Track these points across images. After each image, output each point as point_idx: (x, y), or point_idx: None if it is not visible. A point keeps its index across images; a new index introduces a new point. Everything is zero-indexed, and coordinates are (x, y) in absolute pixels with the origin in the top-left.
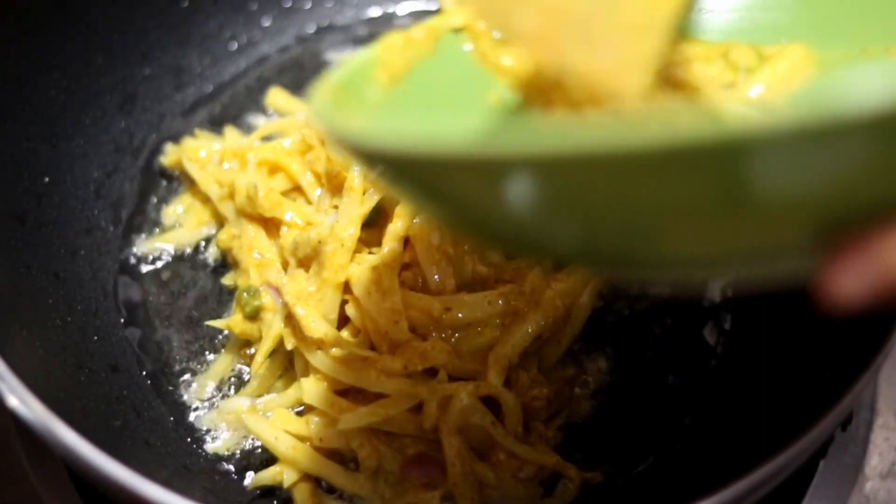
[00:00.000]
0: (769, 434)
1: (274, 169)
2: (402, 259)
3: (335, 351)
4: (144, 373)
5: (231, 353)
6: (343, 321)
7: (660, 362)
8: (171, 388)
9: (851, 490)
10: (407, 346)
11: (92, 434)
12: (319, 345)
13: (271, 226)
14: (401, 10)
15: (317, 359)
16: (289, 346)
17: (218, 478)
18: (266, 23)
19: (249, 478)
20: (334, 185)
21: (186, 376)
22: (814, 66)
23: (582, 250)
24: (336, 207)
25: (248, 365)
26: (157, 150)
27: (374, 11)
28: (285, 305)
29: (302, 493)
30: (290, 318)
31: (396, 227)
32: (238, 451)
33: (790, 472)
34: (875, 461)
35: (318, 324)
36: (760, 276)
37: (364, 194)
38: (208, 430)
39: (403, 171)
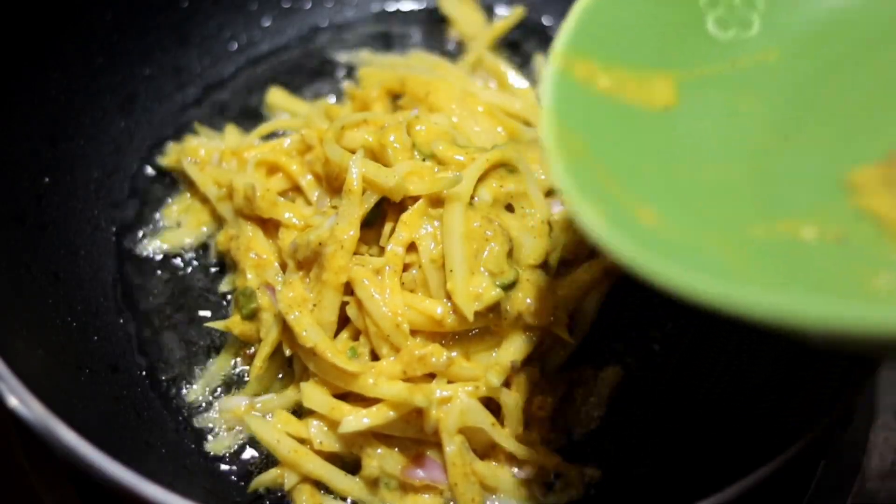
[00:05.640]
0: (770, 436)
1: (273, 169)
2: (404, 260)
3: (331, 356)
4: (144, 373)
5: (230, 353)
6: (343, 322)
7: (665, 365)
8: (170, 388)
9: (851, 490)
10: (407, 350)
11: (92, 434)
12: (314, 351)
13: (270, 226)
14: (402, 7)
15: (315, 364)
16: (287, 352)
17: (218, 478)
18: (266, 23)
19: (249, 478)
20: (334, 187)
21: (186, 376)
22: None
23: None
24: (335, 208)
25: (248, 364)
26: (157, 150)
27: (374, 10)
28: (279, 313)
29: (302, 495)
30: (286, 325)
31: (401, 235)
32: (238, 452)
33: (790, 473)
34: (875, 461)
35: (310, 332)
36: None
37: (363, 195)
38: (208, 430)
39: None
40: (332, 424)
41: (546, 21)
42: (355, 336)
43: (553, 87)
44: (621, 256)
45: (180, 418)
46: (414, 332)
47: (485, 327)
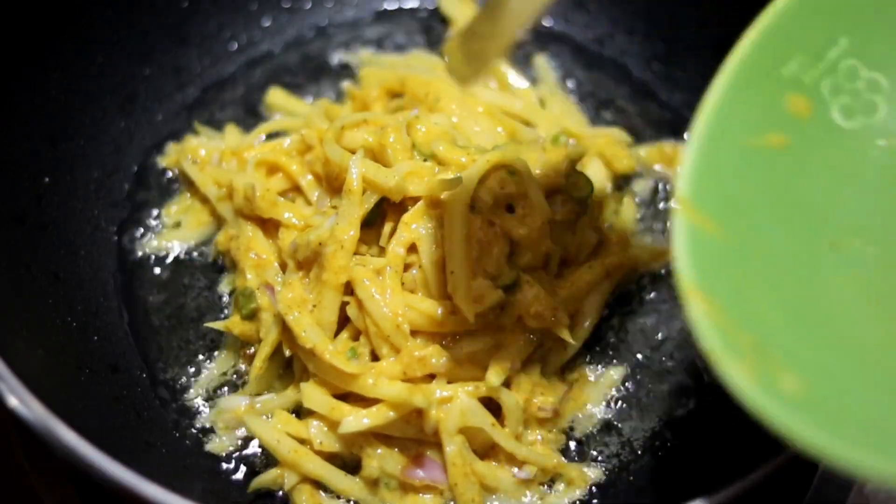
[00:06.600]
0: (770, 436)
1: (273, 169)
2: (405, 260)
3: (330, 357)
4: (144, 373)
5: (230, 353)
6: (343, 322)
7: (666, 366)
8: (170, 387)
9: (851, 490)
10: (407, 350)
11: (92, 434)
12: (313, 352)
13: (269, 226)
14: (402, 7)
15: (314, 365)
16: (287, 352)
17: (218, 478)
18: (266, 23)
19: (249, 478)
20: (334, 187)
21: (186, 376)
22: None
23: None
24: (335, 208)
25: (248, 364)
26: (157, 150)
27: (374, 10)
28: (279, 314)
29: (302, 495)
30: (286, 325)
31: (402, 236)
32: (237, 452)
33: (790, 473)
34: None
35: (310, 332)
36: None
37: (363, 195)
38: (208, 430)
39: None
40: (332, 424)
41: (546, 21)
42: (355, 336)
43: (687, 238)
44: (771, 423)
45: (180, 418)
46: (414, 333)
47: (485, 328)
